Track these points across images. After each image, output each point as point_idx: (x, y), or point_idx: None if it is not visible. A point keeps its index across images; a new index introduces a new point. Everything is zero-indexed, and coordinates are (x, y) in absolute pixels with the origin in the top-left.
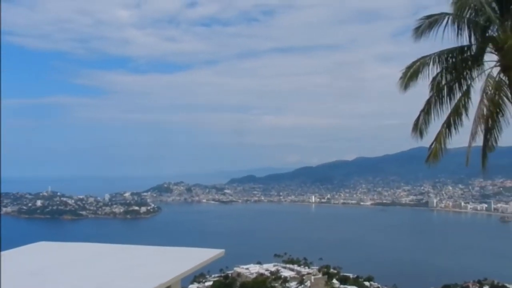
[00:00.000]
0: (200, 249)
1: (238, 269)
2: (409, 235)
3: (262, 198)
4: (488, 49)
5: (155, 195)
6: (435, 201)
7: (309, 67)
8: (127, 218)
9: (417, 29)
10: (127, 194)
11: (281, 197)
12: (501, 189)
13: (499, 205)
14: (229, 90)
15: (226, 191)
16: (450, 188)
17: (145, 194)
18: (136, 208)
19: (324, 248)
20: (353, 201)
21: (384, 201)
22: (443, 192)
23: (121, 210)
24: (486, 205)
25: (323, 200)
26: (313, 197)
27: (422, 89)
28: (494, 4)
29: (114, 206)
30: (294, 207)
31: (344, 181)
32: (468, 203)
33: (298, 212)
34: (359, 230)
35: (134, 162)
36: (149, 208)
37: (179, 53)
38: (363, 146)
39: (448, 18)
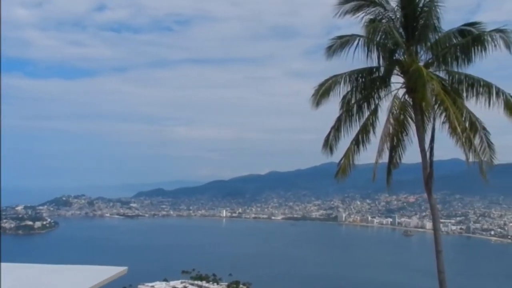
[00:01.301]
0: (100, 267)
1: (142, 287)
2: (319, 249)
3: (171, 212)
4: (395, 71)
5: (52, 208)
6: (344, 215)
7: (224, 80)
8: (19, 234)
9: (329, 48)
10: (19, 208)
11: (191, 211)
12: (405, 204)
13: (402, 219)
14: (139, 99)
15: (132, 205)
16: (358, 203)
17: (40, 207)
18: (30, 223)
19: (234, 264)
20: (264, 216)
21: (295, 216)
22: (352, 207)
23: (12, 225)
24: (391, 219)
25: (234, 215)
26: (224, 211)
27: (333, 106)
28: (401, 30)
29: (4, 220)
30: (204, 222)
31: (256, 195)
32: (375, 217)
33: (209, 227)
34: (270, 245)
35: (29, 173)
36: (44, 223)
37: (84, 58)
38: (276, 160)
39: (359, 39)
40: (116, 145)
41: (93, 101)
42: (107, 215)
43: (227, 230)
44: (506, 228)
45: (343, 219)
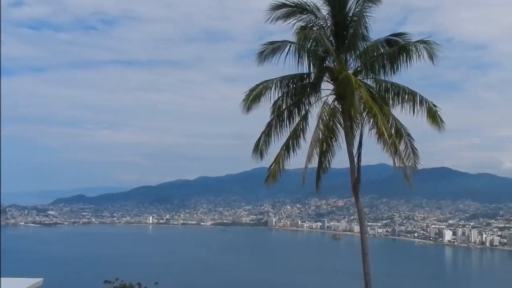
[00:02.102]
0: (14, 279)
1: None
2: (249, 254)
3: (93, 219)
4: (325, 78)
5: None
6: (274, 220)
7: (152, 83)
8: None
9: (261, 53)
10: None
11: (115, 219)
12: (334, 208)
13: (331, 223)
14: (59, 101)
15: (50, 212)
16: (289, 207)
17: None
18: None
19: (160, 272)
20: (193, 222)
21: (225, 221)
22: (282, 211)
23: None
24: (320, 224)
25: (161, 221)
26: (150, 217)
27: (264, 111)
28: (331, 38)
29: None
30: (129, 229)
31: (185, 201)
32: (305, 221)
33: (134, 234)
34: (199, 251)
35: None
36: None
37: None
38: (206, 165)
39: (290, 46)
40: (35, 149)
41: (8, 103)
42: (21, 223)
43: (154, 237)
44: (429, 230)
45: (274, 223)
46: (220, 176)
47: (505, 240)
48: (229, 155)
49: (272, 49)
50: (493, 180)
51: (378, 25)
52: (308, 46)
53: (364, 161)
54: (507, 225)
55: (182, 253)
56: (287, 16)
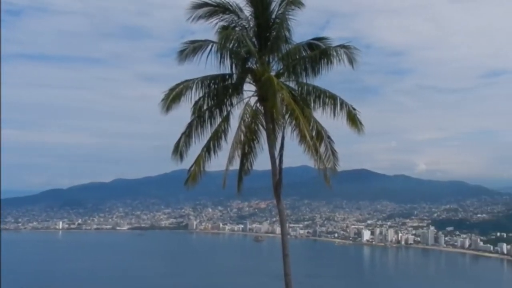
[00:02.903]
0: None
1: None
2: (168, 259)
3: None
4: (247, 79)
5: None
6: (195, 223)
7: (65, 80)
8: None
9: (181, 52)
10: None
11: (20, 224)
12: (256, 210)
13: (254, 225)
14: None
15: None
16: (210, 210)
17: None
18: None
19: (68, 280)
20: (108, 226)
21: (143, 225)
22: (203, 214)
23: None
24: (242, 226)
25: (72, 226)
26: (60, 222)
27: (184, 112)
28: (254, 39)
29: None
30: (36, 235)
31: (99, 204)
32: (226, 224)
33: (41, 240)
34: (113, 257)
35: None
36: None
37: None
38: (122, 167)
39: (212, 45)
40: None
41: None
42: None
43: (63, 243)
44: (348, 230)
45: (194, 227)
46: (138, 178)
47: (418, 239)
48: (148, 157)
49: (193, 48)
50: (409, 181)
51: (301, 28)
52: (230, 46)
53: (286, 163)
54: (420, 224)
55: (93, 259)
56: (209, 15)
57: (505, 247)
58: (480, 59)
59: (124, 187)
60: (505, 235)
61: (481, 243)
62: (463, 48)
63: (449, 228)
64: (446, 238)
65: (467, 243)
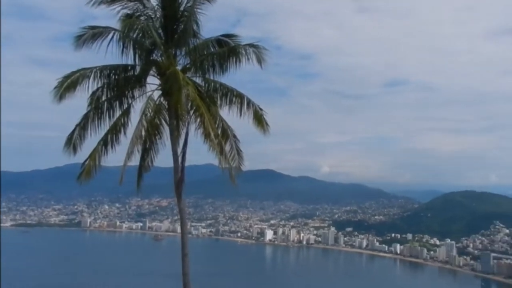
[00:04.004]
0: None
1: None
2: (56, 257)
3: None
4: (151, 72)
5: None
6: (89, 220)
7: None
8: None
9: (79, 37)
10: None
11: None
12: (157, 208)
13: (154, 223)
14: None
15: None
16: (107, 207)
17: None
18: None
19: None
20: None
21: (29, 222)
22: (99, 211)
23: None
24: (141, 224)
25: None
26: None
27: (81, 101)
28: (160, 31)
29: None
30: None
31: None
32: (124, 222)
33: None
34: None
35: None
36: None
37: None
38: (6, 159)
39: (114, 33)
40: None
41: None
42: None
43: None
44: (251, 230)
45: (88, 224)
46: (25, 172)
47: (319, 239)
48: (36, 148)
49: (92, 34)
50: (312, 183)
51: (212, 24)
52: (134, 36)
53: (192, 161)
54: (322, 225)
55: None
56: (111, 1)
57: (398, 247)
58: (382, 68)
59: (7, 180)
60: (399, 236)
61: (377, 244)
62: (367, 56)
63: (349, 229)
64: (345, 239)
65: (364, 243)
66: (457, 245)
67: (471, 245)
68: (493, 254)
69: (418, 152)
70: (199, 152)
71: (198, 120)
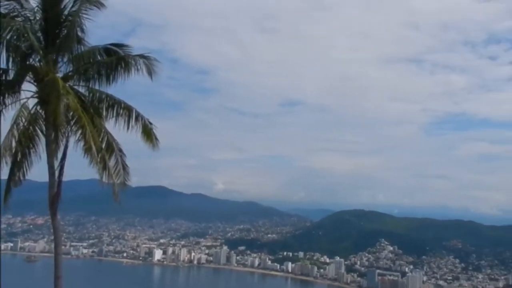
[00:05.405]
0: None
1: None
2: None
3: None
4: (27, 78)
5: None
6: None
7: None
8: None
9: None
10: None
11: None
12: (31, 226)
13: (27, 243)
14: None
15: None
16: None
17: None
18: None
19: None
20: None
21: None
22: None
23: None
24: (12, 244)
25: None
26: None
27: None
28: (40, 34)
29: None
30: None
31: None
32: None
33: None
34: None
35: None
36: None
37: None
38: None
39: None
40: None
41: None
42: None
43: None
44: (139, 250)
45: None
46: None
47: (211, 258)
48: None
49: None
50: (205, 200)
51: (103, 31)
52: (8, 37)
53: (74, 176)
54: (214, 244)
55: None
56: None
57: (290, 265)
58: (279, 88)
59: None
60: (291, 254)
61: (269, 262)
62: (265, 75)
63: (241, 248)
64: (237, 258)
65: (256, 262)
66: (345, 262)
67: (358, 262)
68: (378, 271)
69: (313, 171)
70: (83, 167)
71: (79, 132)
